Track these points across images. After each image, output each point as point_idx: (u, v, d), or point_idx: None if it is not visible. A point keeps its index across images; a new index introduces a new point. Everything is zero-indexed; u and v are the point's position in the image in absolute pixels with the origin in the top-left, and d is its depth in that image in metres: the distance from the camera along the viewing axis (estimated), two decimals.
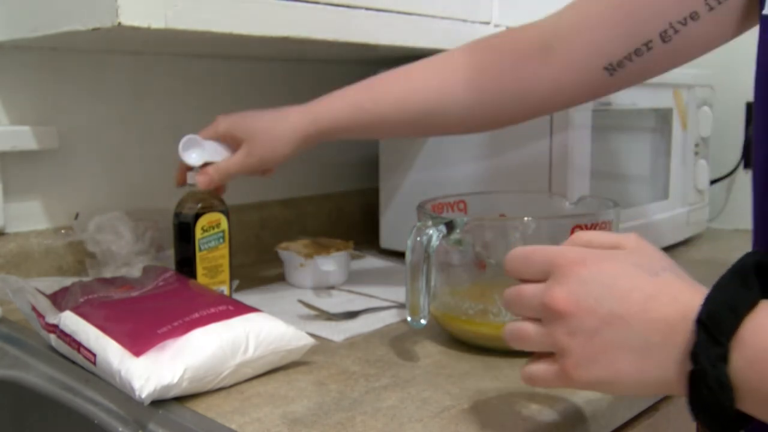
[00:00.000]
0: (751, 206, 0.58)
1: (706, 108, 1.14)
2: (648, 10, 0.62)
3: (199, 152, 0.79)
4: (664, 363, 0.41)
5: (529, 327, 0.46)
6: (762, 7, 0.53)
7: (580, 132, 0.88)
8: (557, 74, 0.68)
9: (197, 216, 0.80)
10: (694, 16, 0.61)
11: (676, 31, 0.62)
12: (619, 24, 0.64)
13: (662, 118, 1.08)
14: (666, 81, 1.05)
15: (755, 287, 0.39)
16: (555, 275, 0.45)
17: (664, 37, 0.62)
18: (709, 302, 0.39)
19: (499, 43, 0.74)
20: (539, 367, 0.47)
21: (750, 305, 0.38)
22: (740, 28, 0.62)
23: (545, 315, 0.45)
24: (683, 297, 0.41)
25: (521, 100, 0.71)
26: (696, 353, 0.39)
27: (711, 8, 0.61)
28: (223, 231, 0.81)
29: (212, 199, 0.82)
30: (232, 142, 0.80)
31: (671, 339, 0.40)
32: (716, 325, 0.38)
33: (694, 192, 1.15)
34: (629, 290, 0.42)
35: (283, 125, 0.78)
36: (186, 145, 0.79)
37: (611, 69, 0.65)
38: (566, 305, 0.43)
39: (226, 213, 0.82)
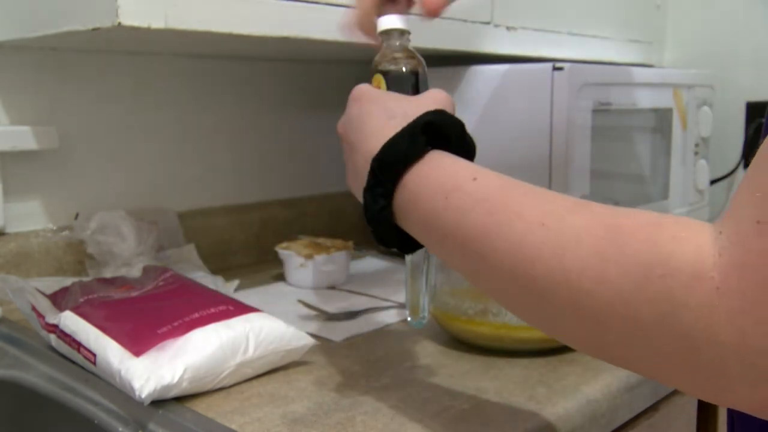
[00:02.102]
0: None
1: (706, 108, 1.14)
2: None
3: None
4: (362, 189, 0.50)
5: None
6: None
7: (580, 132, 0.88)
8: None
9: (373, 72, 0.65)
10: None
11: None
12: None
13: (662, 118, 1.08)
14: (666, 81, 1.05)
15: (419, 143, 0.48)
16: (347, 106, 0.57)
17: None
18: (381, 152, 0.49)
19: None
20: None
21: (413, 158, 0.48)
22: None
23: None
24: (385, 140, 0.49)
25: None
26: (365, 190, 0.49)
27: None
28: None
29: (398, 54, 0.66)
30: None
31: (366, 171, 0.50)
32: (382, 171, 0.48)
33: (694, 192, 1.15)
34: (364, 126, 0.53)
35: None
36: None
37: None
38: (339, 130, 0.56)
39: (389, 75, 0.64)
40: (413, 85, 0.66)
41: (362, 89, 0.57)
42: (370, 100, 0.55)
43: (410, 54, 0.68)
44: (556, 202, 0.42)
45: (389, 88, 0.64)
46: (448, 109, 0.53)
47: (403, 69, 0.66)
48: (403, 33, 0.68)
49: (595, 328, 0.38)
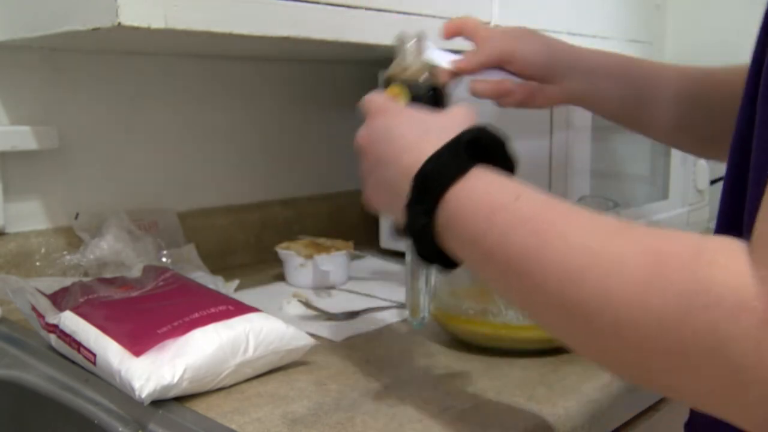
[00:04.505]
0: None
1: None
2: None
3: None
4: (401, 205, 0.49)
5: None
6: None
7: (580, 132, 0.88)
8: None
9: (387, 81, 0.65)
10: None
11: None
12: None
13: None
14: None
15: (463, 159, 0.47)
16: (366, 118, 0.56)
17: None
18: (424, 168, 0.48)
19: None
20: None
21: (456, 175, 0.46)
22: None
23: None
24: (424, 155, 0.48)
25: None
26: (406, 206, 0.48)
27: None
28: None
29: (418, 64, 0.66)
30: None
31: (405, 187, 0.48)
32: (425, 187, 0.47)
33: (694, 192, 1.15)
34: (396, 140, 0.51)
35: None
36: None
37: None
38: (361, 143, 0.54)
39: (412, 87, 0.62)
40: (437, 98, 0.64)
41: (383, 102, 0.56)
42: (398, 113, 0.54)
43: (430, 65, 0.66)
44: (600, 223, 0.41)
45: (414, 100, 0.62)
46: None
47: (428, 81, 0.64)
48: (420, 39, 0.66)
49: (639, 356, 0.37)
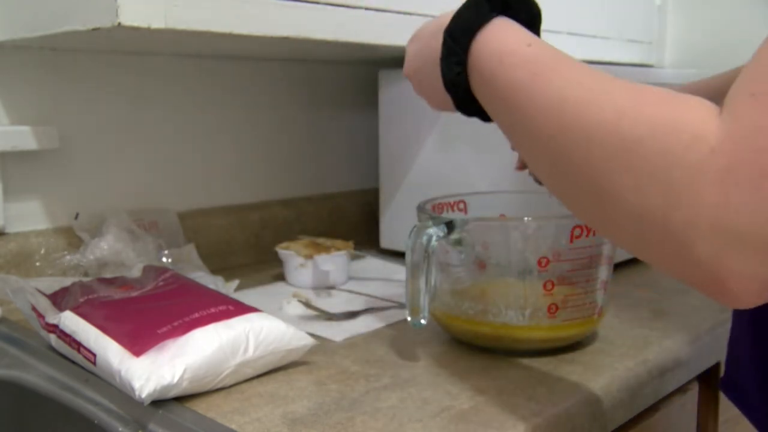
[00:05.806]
0: None
1: None
2: None
3: None
4: (438, 73, 0.54)
5: None
6: None
7: None
8: None
9: None
10: None
11: None
12: None
13: None
14: (666, 81, 1.05)
15: (484, 11, 0.51)
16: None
17: None
18: (450, 24, 0.52)
19: None
20: None
21: (478, 26, 0.51)
22: None
23: None
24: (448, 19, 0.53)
25: None
26: (441, 60, 0.53)
27: None
28: None
29: None
30: None
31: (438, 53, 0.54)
32: (453, 40, 0.52)
33: None
34: (425, 45, 0.57)
35: None
36: None
37: None
38: (408, 73, 0.61)
39: None
40: None
41: (414, 33, 0.61)
42: (422, 29, 0.60)
43: None
44: (598, 73, 0.44)
45: None
46: None
47: None
48: None
49: (597, 181, 0.40)
